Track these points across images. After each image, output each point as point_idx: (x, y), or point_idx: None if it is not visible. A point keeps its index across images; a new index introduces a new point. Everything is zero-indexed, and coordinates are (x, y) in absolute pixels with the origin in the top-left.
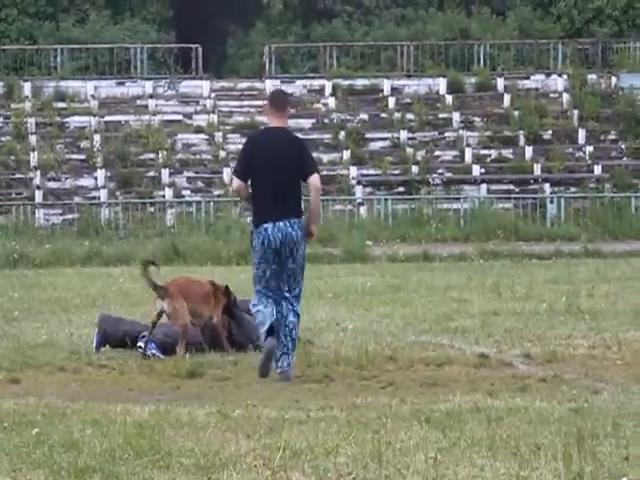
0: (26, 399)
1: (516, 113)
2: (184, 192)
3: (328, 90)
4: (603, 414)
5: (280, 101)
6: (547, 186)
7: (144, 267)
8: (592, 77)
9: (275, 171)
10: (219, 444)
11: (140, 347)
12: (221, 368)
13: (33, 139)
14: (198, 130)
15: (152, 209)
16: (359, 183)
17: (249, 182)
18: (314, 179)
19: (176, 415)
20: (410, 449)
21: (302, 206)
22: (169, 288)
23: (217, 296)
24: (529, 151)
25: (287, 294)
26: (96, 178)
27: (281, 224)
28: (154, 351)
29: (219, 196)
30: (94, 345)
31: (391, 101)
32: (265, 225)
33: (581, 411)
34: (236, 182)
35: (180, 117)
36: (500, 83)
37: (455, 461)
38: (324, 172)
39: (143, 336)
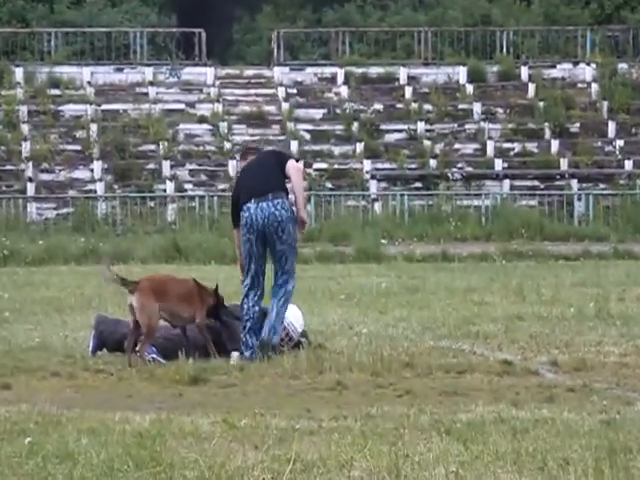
0: (18, 406)
1: (541, 104)
2: (186, 186)
3: (340, 78)
4: (636, 426)
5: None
6: (574, 182)
7: (106, 263)
8: (623, 66)
9: (254, 170)
10: (225, 455)
11: (138, 351)
12: (226, 374)
13: (25, 128)
14: (201, 120)
15: (152, 204)
16: (373, 177)
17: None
18: (292, 162)
19: (178, 424)
20: (429, 462)
21: (286, 189)
22: (139, 282)
23: (202, 296)
24: (555, 145)
25: (279, 280)
26: (92, 170)
27: (264, 204)
28: (154, 355)
29: (224, 190)
30: (90, 348)
31: (408, 91)
32: (248, 205)
33: (613, 423)
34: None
35: (182, 106)
36: (524, 72)
37: (477, 476)
38: (335, 165)
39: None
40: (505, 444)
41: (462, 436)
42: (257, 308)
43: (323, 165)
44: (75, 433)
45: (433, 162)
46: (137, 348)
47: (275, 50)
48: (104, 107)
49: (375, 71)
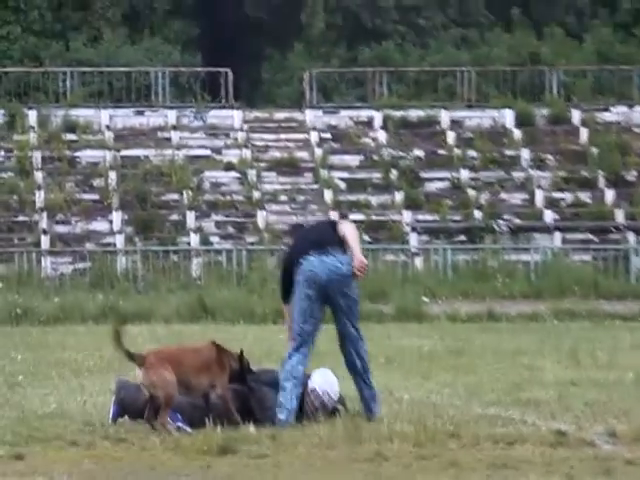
0: (32, 479)
1: (595, 150)
2: (212, 238)
3: (378, 122)
4: None
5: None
6: (631, 235)
7: (115, 331)
8: None
9: (309, 231)
10: None
11: (160, 423)
12: (257, 443)
13: (39, 176)
14: (229, 167)
15: (175, 258)
16: (414, 230)
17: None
18: (343, 221)
19: None
20: None
21: (343, 246)
22: (147, 357)
23: (222, 363)
24: (610, 195)
25: (351, 329)
26: (111, 222)
27: (325, 257)
28: (180, 423)
29: (252, 244)
30: (110, 416)
31: (450, 135)
32: (308, 257)
33: None
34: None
35: (208, 152)
36: (576, 115)
37: None
38: (373, 216)
39: None
40: None
41: None
42: (301, 368)
43: (360, 216)
44: None
45: (478, 213)
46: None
47: (307, 91)
48: (124, 153)
49: (415, 114)
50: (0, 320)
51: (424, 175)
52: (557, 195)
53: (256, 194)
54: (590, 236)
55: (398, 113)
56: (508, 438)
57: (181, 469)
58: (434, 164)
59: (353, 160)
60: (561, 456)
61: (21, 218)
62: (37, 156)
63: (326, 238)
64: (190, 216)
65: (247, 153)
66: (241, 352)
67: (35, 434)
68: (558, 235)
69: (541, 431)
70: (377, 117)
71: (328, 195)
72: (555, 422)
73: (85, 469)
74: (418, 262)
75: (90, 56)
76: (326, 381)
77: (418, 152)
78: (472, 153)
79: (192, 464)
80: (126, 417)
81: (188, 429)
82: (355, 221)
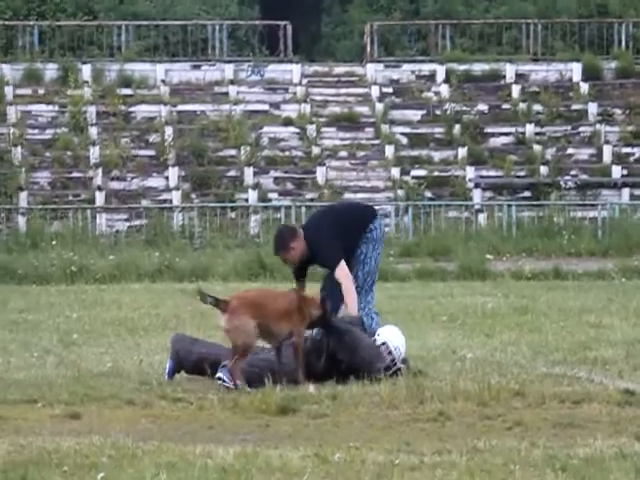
0: (89, 438)
1: None
2: (271, 195)
3: (440, 76)
4: None
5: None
6: None
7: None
8: None
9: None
10: None
11: (220, 378)
12: (318, 403)
13: (93, 131)
14: (287, 122)
15: (233, 215)
16: (477, 186)
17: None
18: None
19: (266, 458)
20: None
21: None
22: (230, 302)
23: (302, 311)
24: None
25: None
26: (167, 178)
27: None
28: (239, 382)
29: (312, 200)
30: (166, 372)
31: (515, 89)
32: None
33: None
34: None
35: (266, 107)
36: None
37: None
38: (435, 173)
39: (224, 366)
40: None
41: (579, 473)
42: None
43: (421, 172)
44: (152, 468)
45: (544, 169)
46: (218, 374)
47: (368, 45)
48: (180, 108)
49: (479, 68)
50: (55, 278)
51: (488, 130)
52: (625, 150)
53: (315, 150)
54: None
55: (461, 67)
56: (574, 397)
57: (239, 428)
58: (498, 119)
59: (415, 115)
60: (629, 415)
61: (75, 174)
62: (91, 111)
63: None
64: (248, 172)
65: (306, 108)
66: (323, 299)
67: (91, 393)
68: (626, 191)
69: (608, 390)
70: (440, 71)
71: (389, 151)
72: (623, 381)
73: (142, 428)
74: (482, 219)
75: (145, 9)
76: (397, 339)
77: (482, 107)
78: (538, 107)
79: (251, 423)
80: (182, 374)
81: (247, 388)
82: (417, 177)
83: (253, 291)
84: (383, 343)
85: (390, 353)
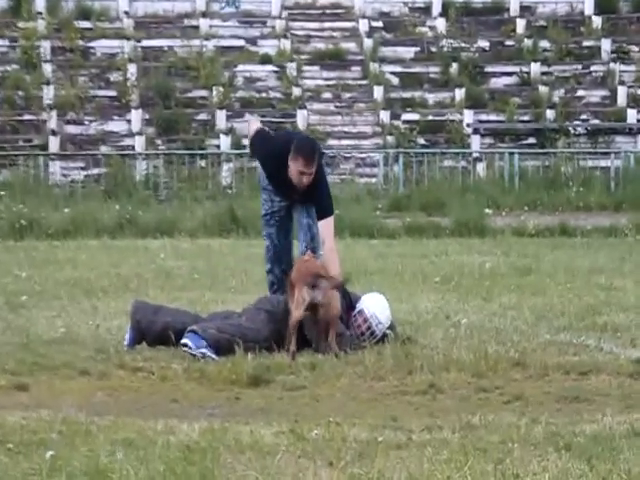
0: (37, 412)
1: None
2: (245, 141)
3: (436, 9)
4: None
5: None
6: None
7: None
8: None
9: None
10: (292, 474)
11: (185, 345)
12: (294, 373)
13: (47, 69)
14: (265, 60)
15: (203, 163)
16: (476, 132)
17: None
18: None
19: (235, 435)
20: None
21: None
22: (321, 275)
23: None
24: None
25: None
26: (130, 122)
27: None
28: (204, 350)
29: None
30: (126, 341)
31: (519, 24)
32: None
33: None
34: None
35: (241, 42)
36: None
37: None
38: (429, 117)
39: (190, 330)
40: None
41: (586, 452)
42: None
43: (414, 116)
44: (108, 446)
45: (550, 113)
46: (183, 340)
47: None
48: (145, 43)
49: (480, 0)
50: (2, 233)
51: (489, 69)
52: None
53: (296, 91)
54: None
55: None
56: (581, 368)
57: (206, 401)
58: (500, 57)
59: (407, 52)
60: None
61: (27, 117)
62: (45, 46)
63: None
64: (220, 116)
65: (286, 44)
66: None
67: (40, 362)
68: None
69: (619, 360)
70: (435, 3)
71: (378, 92)
72: (635, 350)
73: (97, 401)
74: (480, 168)
75: None
76: (376, 304)
77: (482, 43)
78: (545, 44)
79: (219, 396)
80: (144, 343)
81: (214, 356)
82: (409, 121)
83: (307, 261)
84: (360, 311)
85: (366, 320)
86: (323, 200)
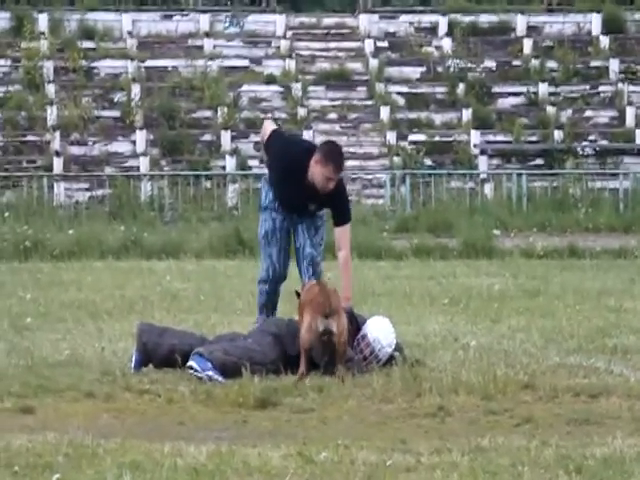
0: (43, 435)
1: None
2: (251, 162)
3: (443, 29)
4: None
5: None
6: None
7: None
8: None
9: None
10: None
11: (192, 367)
12: (302, 396)
13: (51, 89)
14: (270, 80)
15: (208, 184)
16: (483, 153)
17: None
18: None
19: (243, 458)
20: None
21: None
22: (334, 305)
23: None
24: None
25: None
26: (134, 142)
27: None
28: (210, 372)
29: None
30: (132, 364)
31: (527, 44)
32: None
33: None
34: None
35: (246, 63)
36: None
37: None
38: (436, 137)
39: (197, 353)
40: None
41: (596, 476)
42: None
43: (421, 137)
44: (115, 469)
45: (558, 134)
46: (189, 363)
47: None
48: (148, 64)
49: (486, 19)
50: (7, 255)
51: (496, 90)
52: None
53: (301, 111)
54: None
55: (466, 18)
56: (591, 390)
57: (213, 424)
58: (507, 77)
59: (414, 72)
60: None
61: (30, 138)
62: (48, 67)
63: None
64: (225, 137)
65: (291, 64)
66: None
67: (46, 384)
68: None
69: (629, 382)
70: (442, 23)
71: (384, 112)
72: None
73: (103, 424)
74: (488, 189)
75: None
76: (379, 328)
77: (489, 63)
78: (552, 64)
79: (226, 418)
80: (150, 365)
81: (220, 379)
82: (415, 142)
83: (320, 287)
84: (364, 336)
85: (368, 345)
86: (344, 206)
